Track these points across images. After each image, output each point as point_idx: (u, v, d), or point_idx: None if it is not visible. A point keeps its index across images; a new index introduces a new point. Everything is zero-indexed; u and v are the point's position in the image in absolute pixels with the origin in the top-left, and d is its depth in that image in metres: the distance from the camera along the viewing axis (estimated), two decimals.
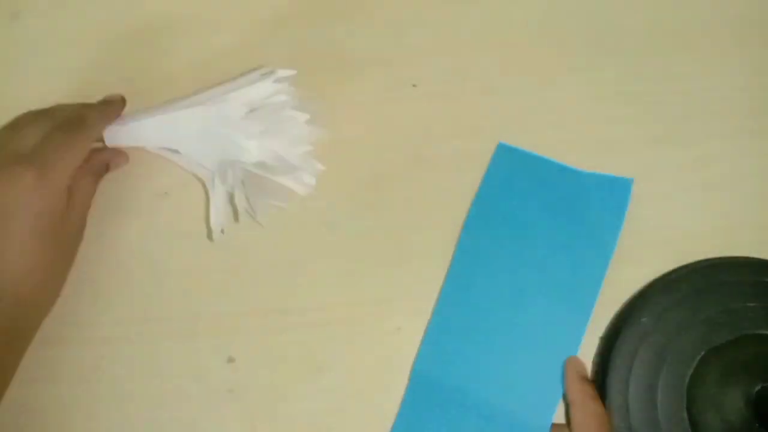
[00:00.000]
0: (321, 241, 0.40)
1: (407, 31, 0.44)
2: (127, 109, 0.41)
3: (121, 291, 0.40)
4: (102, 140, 0.40)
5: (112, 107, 0.40)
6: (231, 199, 0.40)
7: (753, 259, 0.38)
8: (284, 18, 0.44)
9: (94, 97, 0.43)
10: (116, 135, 0.40)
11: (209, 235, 0.40)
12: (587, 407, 0.34)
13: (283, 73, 0.40)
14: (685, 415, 0.35)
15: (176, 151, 0.41)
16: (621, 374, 0.36)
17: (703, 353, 0.35)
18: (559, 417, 0.36)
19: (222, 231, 0.39)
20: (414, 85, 0.43)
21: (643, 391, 0.35)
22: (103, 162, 0.41)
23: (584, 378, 0.36)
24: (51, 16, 0.45)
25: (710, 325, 0.36)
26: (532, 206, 0.38)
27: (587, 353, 0.38)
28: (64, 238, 0.37)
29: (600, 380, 0.36)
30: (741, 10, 0.43)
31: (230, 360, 0.39)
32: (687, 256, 0.38)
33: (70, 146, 0.36)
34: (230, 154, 0.40)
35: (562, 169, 0.39)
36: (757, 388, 0.34)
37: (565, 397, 0.36)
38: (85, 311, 0.40)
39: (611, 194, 0.38)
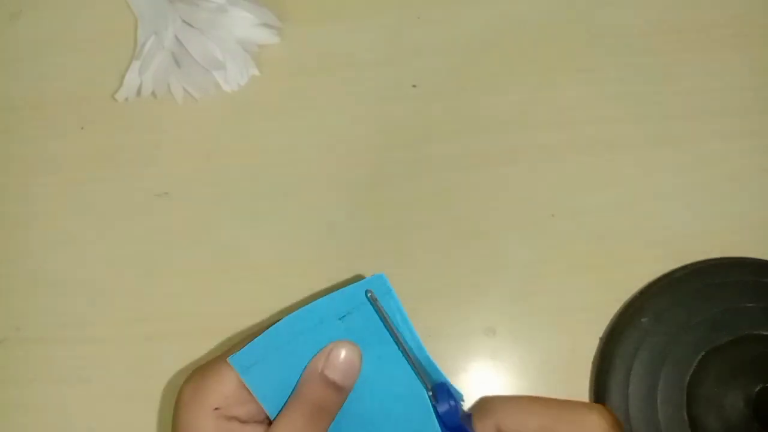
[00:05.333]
0: (321, 241, 0.40)
1: (407, 31, 0.44)
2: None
3: (121, 291, 0.40)
4: None
5: None
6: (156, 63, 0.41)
7: (753, 259, 0.38)
8: (285, 18, 0.44)
9: (94, 97, 0.43)
10: None
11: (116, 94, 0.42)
12: None
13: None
14: (685, 415, 0.35)
15: None
16: (621, 374, 0.36)
17: (703, 353, 0.35)
18: None
19: (126, 99, 0.41)
20: (414, 86, 0.43)
21: (643, 391, 0.35)
22: None
23: None
24: (51, 16, 0.45)
25: (710, 325, 0.36)
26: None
27: (587, 353, 0.38)
28: None
29: (600, 380, 0.36)
30: (741, 10, 0.43)
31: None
32: (687, 256, 0.38)
33: None
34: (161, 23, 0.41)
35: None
36: (757, 388, 0.34)
37: None
38: (85, 311, 0.40)
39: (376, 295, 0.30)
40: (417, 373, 0.29)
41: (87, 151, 0.43)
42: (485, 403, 0.29)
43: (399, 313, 0.29)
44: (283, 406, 0.28)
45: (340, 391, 0.28)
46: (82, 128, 0.43)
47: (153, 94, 0.43)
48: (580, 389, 0.37)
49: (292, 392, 0.28)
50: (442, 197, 0.41)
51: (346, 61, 0.43)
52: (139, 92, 0.43)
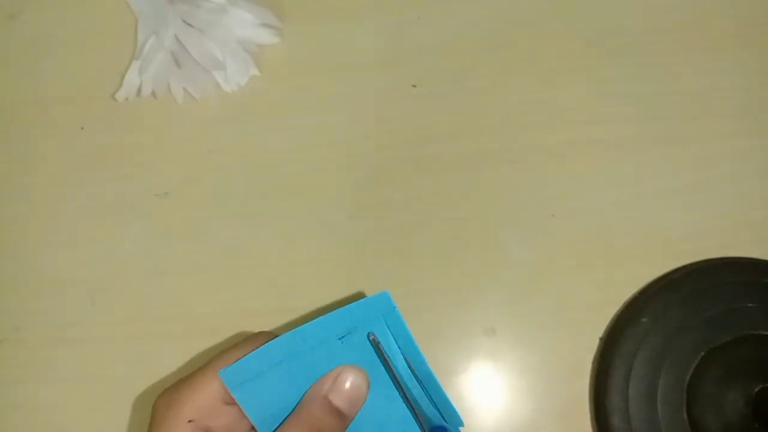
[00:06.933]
0: (321, 241, 0.40)
1: (407, 31, 0.44)
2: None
3: (121, 291, 0.40)
4: None
5: None
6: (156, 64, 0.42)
7: (753, 259, 0.38)
8: (285, 17, 0.44)
9: (94, 97, 0.43)
10: None
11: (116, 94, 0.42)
12: None
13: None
14: (685, 415, 0.35)
15: None
16: (621, 374, 0.36)
17: (703, 353, 0.35)
18: None
19: (126, 99, 0.41)
20: (414, 86, 0.43)
21: (643, 391, 0.35)
22: None
23: None
24: (51, 16, 0.45)
25: (710, 325, 0.36)
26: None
27: (587, 353, 0.38)
28: None
29: (600, 380, 0.36)
30: (741, 10, 0.43)
31: None
32: (687, 256, 0.38)
33: None
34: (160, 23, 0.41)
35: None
36: (757, 388, 0.34)
37: None
38: (85, 311, 0.40)
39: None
40: (413, 413, 0.28)
41: (87, 151, 0.43)
42: None
43: (404, 335, 0.28)
44: (278, 427, 0.27)
45: (343, 418, 0.27)
46: (82, 128, 0.43)
47: (153, 94, 0.43)
48: (580, 389, 0.37)
49: (290, 413, 0.27)
50: (442, 197, 0.41)
51: (347, 61, 0.43)
52: (139, 92, 0.43)
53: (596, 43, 0.43)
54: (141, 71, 0.42)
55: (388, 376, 0.28)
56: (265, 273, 0.40)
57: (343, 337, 0.27)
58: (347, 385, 0.27)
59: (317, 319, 0.27)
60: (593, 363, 0.38)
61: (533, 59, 0.43)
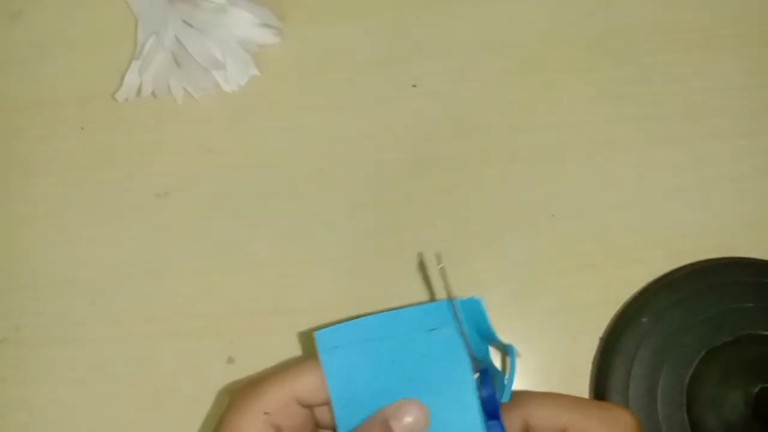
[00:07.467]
0: (321, 241, 0.40)
1: (407, 31, 0.44)
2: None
3: (120, 291, 0.40)
4: None
5: None
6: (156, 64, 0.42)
7: (753, 259, 0.38)
8: (285, 17, 0.44)
9: (94, 97, 0.43)
10: None
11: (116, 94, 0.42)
12: None
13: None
14: (685, 415, 0.35)
15: None
16: (621, 374, 0.36)
17: (703, 353, 0.35)
18: None
19: (126, 99, 0.41)
20: (414, 86, 0.43)
21: (643, 391, 0.35)
22: None
23: None
24: (51, 16, 0.45)
25: (710, 325, 0.36)
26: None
27: (587, 353, 0.38)
28: None
29: (600, 380, 0.36)
30: (741, 10, 0.43)
31: (230, 360, 0.39)
32: (687, 256, 0.38)
33: None
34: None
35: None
36: (757, 388, 0.34)
37: None
38: (85, 311, 0.40)
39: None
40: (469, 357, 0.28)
41: (87, 151, 0.43)
42: (513, 396, 0.29)
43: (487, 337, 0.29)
44: (346, 399, 0.28)
45: None
46: (82, 128, 0.43)
47: (153, 94, 0.43)
48: (580, 389, 0.37)
49: (360, 398, 0.28)
50: (442, 197, 0.41)
51: (346, 61, 0.43)
52: (139, 92, 0.43)
53: (596, 43, 0.43)
54: (141, 71, 0.42)
55: (468, 384, 0.28)
56: (265, 273, 0.40)
57: (432, 330, 0.28)
58: (408, 418, 0.28)
59: (412, 307, 0.28)
60: (593, 363, 0.38)
61: (533, 59, 0.43)
